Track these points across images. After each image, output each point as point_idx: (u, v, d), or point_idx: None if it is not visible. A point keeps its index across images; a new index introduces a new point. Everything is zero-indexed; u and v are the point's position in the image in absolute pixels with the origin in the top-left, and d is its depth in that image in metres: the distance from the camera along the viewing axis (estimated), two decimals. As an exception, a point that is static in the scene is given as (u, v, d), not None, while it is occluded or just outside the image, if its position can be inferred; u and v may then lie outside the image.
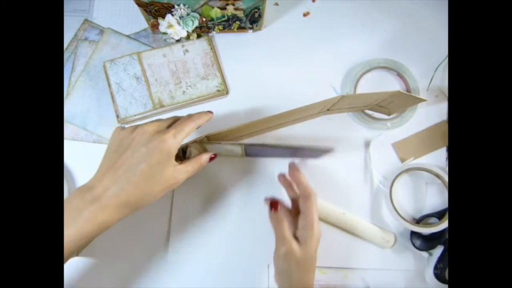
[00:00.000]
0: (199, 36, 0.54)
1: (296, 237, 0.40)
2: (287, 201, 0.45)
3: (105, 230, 0.35)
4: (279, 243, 0.41)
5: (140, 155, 0.34)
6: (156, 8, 0.49)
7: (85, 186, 0.35)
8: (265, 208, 0.50)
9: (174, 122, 0.39)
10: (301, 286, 0.39)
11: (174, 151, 0.36)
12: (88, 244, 0.35)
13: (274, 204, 0.42)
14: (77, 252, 0.36)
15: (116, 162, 0.35)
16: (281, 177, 0.46)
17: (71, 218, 0.33)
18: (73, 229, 0.32)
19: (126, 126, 0.38)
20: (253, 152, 0.47)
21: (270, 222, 0.42)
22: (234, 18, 0.51)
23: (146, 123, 0.37)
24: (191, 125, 0.38)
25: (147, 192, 0.35)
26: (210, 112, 0.42)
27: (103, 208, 0.33)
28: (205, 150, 0.47)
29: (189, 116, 0.39)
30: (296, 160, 0.46)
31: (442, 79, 0.55)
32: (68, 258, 0.34)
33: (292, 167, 0.44)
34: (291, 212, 0.43)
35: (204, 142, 0.42)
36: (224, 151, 0.48)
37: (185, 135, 0.37)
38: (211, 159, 0.42)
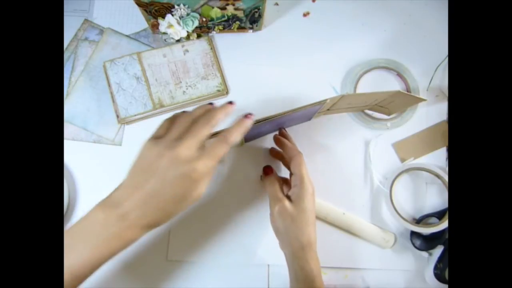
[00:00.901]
0: (199, 36, 0.54)
1: (288, 196, 0.42)
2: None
3: (129, 246, 0.34)
4: (272, 203, 0.42)
5: (169, 185, 0.33)
6: (156, 8, 0.49)
7: (110, 202, 0.34)
8: (265, 207, 0.50)
9: (206, 116, 0.36)
10: (301, 241, 0.40)
11: (205, 177, 0.34)
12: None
13: (266, 169, 0.46)
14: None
15: (145, 185, 0.33)
16: (272, 150, 0.49)
17: (98, 234, 0.32)
18: (100, 245, 0.32)
19: (153, 142, 0.35)
20: (252, 133, 0.47)
21: (264, 188, 0.44)
22: (234, 18, 0.51)
23: (181, 144, 0.33)
24: (224, 149, 0.35)
25: (171, 213, 0.35)
26: (231, 103, 0.39)
27: (131, 227, 0.33)
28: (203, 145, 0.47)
29: (226, 136, 0.36)
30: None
31: (442, 79, 0.55)
32: (91, 274, 0.33)
33: (276, 137, 0.47)
34: (289, 180, 0.45)
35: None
36: None
37: (219, 159, 0.35)
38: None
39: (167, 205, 0.34)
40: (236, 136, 0.36)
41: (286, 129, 0.50)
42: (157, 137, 0.36)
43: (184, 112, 0.38)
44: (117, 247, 0.33)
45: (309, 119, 0.52)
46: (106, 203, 0.34)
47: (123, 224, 0.33)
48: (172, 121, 0.37)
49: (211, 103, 0.39)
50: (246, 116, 0.38)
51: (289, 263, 0.42)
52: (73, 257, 0.32)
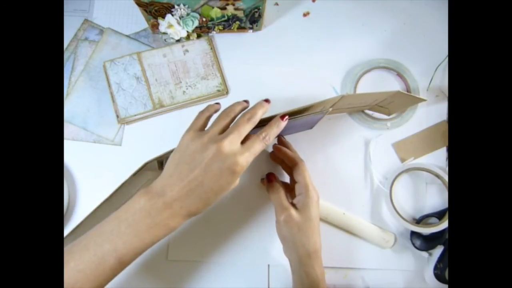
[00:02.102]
0: (199, 36, 0.54)
1: (294, 204, 0.42)
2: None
3: (171, 233, 0.36)
4: (278, 211, 0.42)
5: (212, 176, 0.35)
6: (156, 8, 0.49)
7: (154, 191, 0.35)
8: (265, 207, 0.50)
9: (247, 113, 0.38)
10: (308, 249, 0.41)
11: (243, 170, 0.36)
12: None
13: (269, 176, 0.46)
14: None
15: (188, 175, 0.35)
16: (273, 154, 0.49)
17: (145, 223, 0.34)
18: (147, 233, 0.34)
19: (195, 134, 0.37)
20: None
21: (268, 195, 0.44)
22: (234, 18, 0.51)
23: (225, 138, 0.35)
24: (262, 146, 0.37)
25: (211, 204, 0.36)
26: (267, 101, 0.40)
27: (174, 216, 0.35)
28: None
29: (266, 137, 0.37)
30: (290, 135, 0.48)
31: (442, 79, 0.55)
32: (134, 260, 0.35)
33: (276, 147, 0.47)
34: (290, 185, 0.46)
35: None
36: None
37: (256, 154, 0.37)
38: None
39: (208, 196, 0.35)
40: (273, 136, 0.38)
41: (286, 136, 0.51)
42: (197, 129, 0.38)
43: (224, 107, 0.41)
44: (160, 234, 0.35)
45: (311, 127, 0.52)
46: (150, 191, 0.35)
47: (168, 212, 0.34)
48: (208, 113, 0.40)
49: (246, 101, 0.41)
50: (282, 117, 0.39)
51: (294, 269, 0.42)
52: (120, 243, 0.33)
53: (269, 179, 0.45)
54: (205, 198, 0.35)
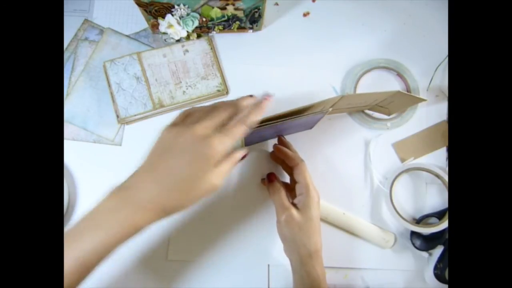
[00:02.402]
0: (199, 36, 0.54)
1: (294, 204, 0.42)
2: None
3: (140, 232, 0.32)
4: (279, 211, 0.42)
5: (184, 161, 0.32)
6: (156, 8, 0.49)
7: (123, 186, 0.33)
8: (265, 207, 0.50)
9: (232, 112, 0.36)
10: (309, 249, 0.40)
11: (220, 158, 0.34)
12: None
13: (270, 176, 0.45)
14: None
15: (158, 164, 0.33)
16: (273, 154, 0.49)
17: (107, 220, 0.31)
18: (108, 231, 0.31)
19: (173, 125, 0.35)
20: (252, 137, 0.47)
21: (269, 195, 0.44)
22: (234, 18, 0.51)
23: (196, 122, 0.34)
24: (242, 130, 0.35)
25: (185, 198, 0.33)
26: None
27: (140, 210, 0.31)
28: None
29: (244, 118, 0.35)
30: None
31: (442, 79, 0.55)
32: (101, 262, 0.32)
33: (276, 147, 0.47)
34: (290, 185, 0.46)
35: None
36: None
37: (235, 141, 0.34)
38: (242, 157, 0.38)
39: (181, 186, 0.32)
40: (254, 117, 0.36)
41: (286, 136, 0.51)
42: (174, 124, 0.35)
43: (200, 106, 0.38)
44: (127, 233, 0.31)
45: (311, 127, 0.52)
46: (120, 187, 0.33)
47: (134, 207, 0.31)
48: (189, 111, 0.37)
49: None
50: (265, 98, 0.37)
51: (295, 269, 0.42)
52: (81, 246, 0.30)
53: (270, 179, 0.45)
54: (177, 189, 0.32)
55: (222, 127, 0.34)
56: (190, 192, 0.33)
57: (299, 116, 0.42)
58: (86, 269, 0.31)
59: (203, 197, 0.34)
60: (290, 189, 0.45)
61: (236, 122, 0.35)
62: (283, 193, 0.43)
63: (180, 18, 0.50)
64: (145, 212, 0.32)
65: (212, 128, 0.34)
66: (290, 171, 0.46)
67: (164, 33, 0.53)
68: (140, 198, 0.32)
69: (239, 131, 0.34)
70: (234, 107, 0.36)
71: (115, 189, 0.33)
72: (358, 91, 0.54)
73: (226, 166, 0.35)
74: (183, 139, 0.33)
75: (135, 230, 0.32)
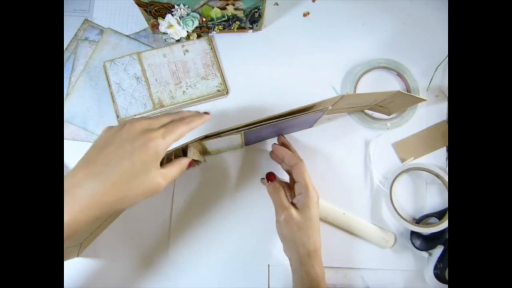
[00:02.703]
0: (199, 36, 0.54)
1: (294, 204, 0.42)
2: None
3: (70, 236, 0.30)
4: (279, 211, 0.42)
5: (123, 152, 0.31)
6: (156, 8, 0.49)
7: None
8: (265, 208, 0.50)
9: (167, 122, 0.36)
10: (308, 248, 0.41)
11: (162, 153, 0.33)
12: None
13: (269, 176, 0.45)
14: None
15: (97, 157, 0.31)
16: (272, 153, 0.49)
17: None
18: None
19: (111, 126, 0.35)
20: (252, 137, 0.47)
21: (268, 194, 0.45)
22: (234, 18, 0.51)
23: (136, 119, 0.34)
24: (184, 128, 0.36)
25: (125, 194, 0.31)
26: (206, 113, 0.40)
27: (83, 209, 0.29)
28: (204, 149, 0.47)
29: (183, 119, 0.37)
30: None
31: (442, 79, 0.55)
32: None
33: (275, 147, 0.47)
34: (290, 184, 0.46)
35: (203, 140, 0.42)
36: (224, 146, 0.48)
37: (176, 137, 0.35)
38: (189, 165, 0.39)
39: (120, 179, 0.30)
40: (197, 122, 0.37)
41: (286, 135, 0.51)
42: (112, 126, 0.35)
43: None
44: (72, 229, 0.29)
45: (310, 126, 0.52)
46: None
47: (75, 206, 0.29)
48: (129, 120, 0.37)
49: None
50: (206, 112, 0.40)
51: (294, 268, 0.42)
52: None
53: (269, 179, 0.45)
54: (114, 180, 0.30)
55: (163, 126, 0.34)
56: (131, 188, 0.31)
57: (298, 115, 0.42)
58: None
59: (146, 194, 0.33)
60: (290, 188, 0.46)
61: (178, 122, 0.36)
62: (282, 193, 0.43)
63: (180, 18, 0.50)
64: (75, 208, 0.29)
65: (155, 125, 0.34)
66: (290, 170, 0.46)
67: (164, 33, 0.53)
68: (71, 192, 0.29)
69: (180, 130, 0.35)
70: (176, 115, 0.38)
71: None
72: (358, 91, 0.54)
73: (173, 169, 0.35)
74: (123, 133, 0.32)
75: (80, 227, 0.30)
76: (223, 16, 0.51)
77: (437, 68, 0.54)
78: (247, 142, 0.50)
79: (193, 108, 0.53)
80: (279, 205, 0.42)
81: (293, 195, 0.44)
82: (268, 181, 0.45)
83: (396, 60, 0.55)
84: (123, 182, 0.31)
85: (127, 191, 0.31)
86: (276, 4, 0.57)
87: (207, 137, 0.42)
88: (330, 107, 0.43)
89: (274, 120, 0.41)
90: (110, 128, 0.35)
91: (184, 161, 0.38)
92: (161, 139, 0.33)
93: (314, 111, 0.42)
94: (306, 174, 0.43)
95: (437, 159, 0.52)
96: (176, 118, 0.37)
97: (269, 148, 0.50)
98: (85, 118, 0.51)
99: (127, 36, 0.55)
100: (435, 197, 0.51)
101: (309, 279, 0.40)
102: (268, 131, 0.47)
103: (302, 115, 0.42)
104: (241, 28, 0.54)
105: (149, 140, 0.32)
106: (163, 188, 0.34)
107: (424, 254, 0.49)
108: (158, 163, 0.33)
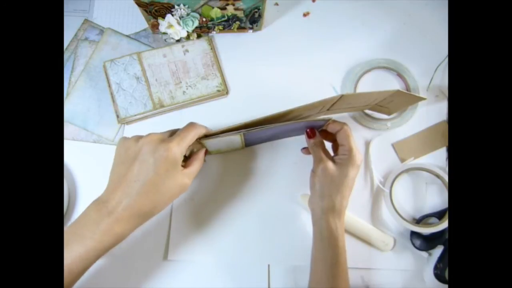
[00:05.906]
0: (199, 36, 0.54)
1: (333, 160, 0.43)
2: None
3: (122, 240, 0.36)
4: (317, 163, 0.43)
5: (148, 166, 0.35)
6: (156, 8, 0.49)
7: (100, 199, 0.36)
8: (265, 207, 0.50)
9: (174, 132, 0.40)
10: (334, 201, 0.41)
11: (180, 158, 0.37)
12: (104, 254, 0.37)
13: (311, 132, 0.45)
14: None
15: (126, 174, 0.36)
16: (304, 149, 0.48)
17: (90, 231, 0.34)
18: (91, 241, 0.34)
19: (127, 137, 0.39)
20: (252, 138, 0.47)
21: (309, 149, 0.45)
22: (234, 18, 0.51)
23: (149, 134, 0.38)
24: (194, 132, 0.39)
25: (158, 200, 0.36)
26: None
27: (118, 220, 0.35)
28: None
29: (192, 124, 0.40)
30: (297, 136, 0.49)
31: (442, 79, 0.55)
32: (86, 269, 0.35)
33: (311, 131, 0.45)
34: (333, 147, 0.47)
35: (202, 139, 0.42)
36: (224, 147, 0.48)
37: (189, 142, 0.38)
38: (205, 153, 0.43)
39: (150, 190, 0.35)
40: (203, 130, 0.40)
41: (283, 140, 0.51)
42: (126, 138, 0.39)
43: None
44: (109, 242, 0.35)
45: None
46: (98, 201, 0.36)
47: (112, 218, 0.34)
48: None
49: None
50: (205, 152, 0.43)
51: (315, 220, 0.43)
52: (68, 254, 0.33)
53: (309, 135, 0.45)
54: (147, 192, 0.35)
55: (175, 134, 0.38)
56: (162, 195, 0.36)
57: (300, 121, 0.42)
58: (72, 276, 0.34)
59: (175, 197, 0.38)
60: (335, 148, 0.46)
61: (187, 127, 0.39)
62: (322, 148, 0.44)
63: (180, 18, 0.50)
64: (124, 222, 0.35)
65: (166, 135, 0.38)
66: (334, 138, 0.45)
67: (164, 33, 0.53)
68: (117, 210, 0.35)
69: (192, 133, 0.39)
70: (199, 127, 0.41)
71: (94, 203, 0.36)
72: (358, 91, 0.54)
73: (194, 166, 0.40)
74: (142, 145, 0.36)
75: (118, 238, 0.36)
76: (223, 16, 0.51)
77: (437, 68, 0.54)
78: (248, 143, 0.50)
79: (193, 108, 0.53)
80: (319, 158, 0.43)
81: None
82: (308, 137, 0.45)
83: (396, 60, 0.55)
84: (154, 192, 0.36)
85: (158, 199, 0.36)
86: (276, 4, 0.57)
87: (206, 136, 0.42)
88: (333, 118, 0.43)
89: (274, 125, 0.41)
90: (125, 140, 0.39)
91: (200, 155, 0.42)
92: (177, 147, 0.37)
93: (316, 120, 0.43)
94: (351, 138, 0.43)
95: (437, 159, 0.52)
96: (186, 125, 0.40)
97: (270, 148, 0.50)
98: (85, 118, 0.51)
99: (127, 36, 0.55)
100: (435, 197, 0.51)
101: (328, 232, 0.41)
102: (268, 134, 0.47)
103: (304, 120, 0.42)
104: (241, 28, 0.54)
105: (167, 151, 0.36)
106: (189, 185, 0.39)
107: (424, 254, 0.49)
108: (179, 166, 0.38)
